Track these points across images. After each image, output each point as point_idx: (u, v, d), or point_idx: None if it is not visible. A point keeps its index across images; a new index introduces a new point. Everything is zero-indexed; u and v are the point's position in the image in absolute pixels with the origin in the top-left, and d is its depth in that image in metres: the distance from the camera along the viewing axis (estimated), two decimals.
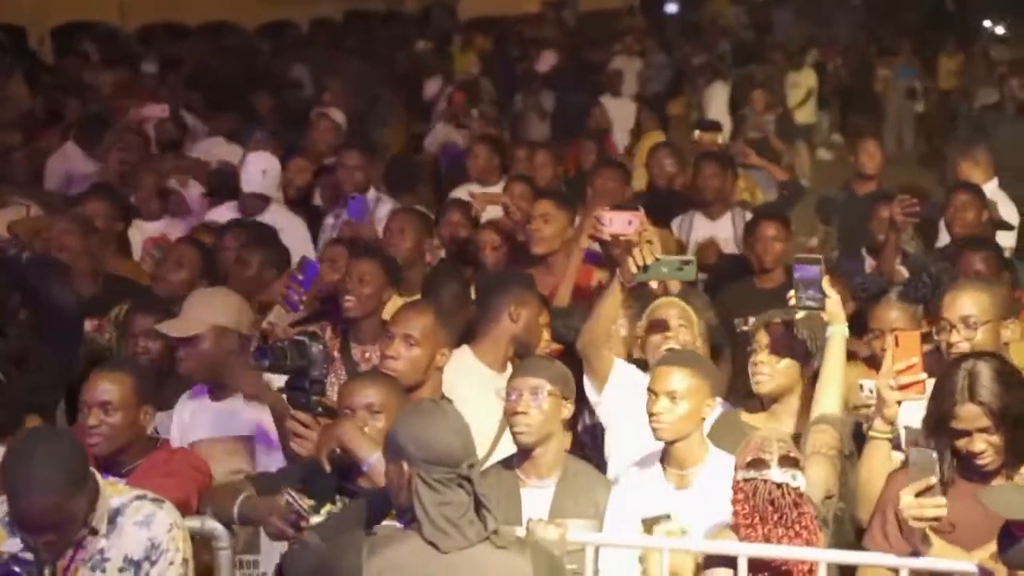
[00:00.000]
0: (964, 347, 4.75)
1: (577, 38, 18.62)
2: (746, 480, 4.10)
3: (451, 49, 16.79)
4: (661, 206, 8.08)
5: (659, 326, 5.32)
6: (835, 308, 4.65)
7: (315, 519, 4.19)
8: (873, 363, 5.60)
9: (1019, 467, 4.09)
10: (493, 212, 6.94)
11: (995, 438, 4.04)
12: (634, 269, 5.07)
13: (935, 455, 3.99)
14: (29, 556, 3.70)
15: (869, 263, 7.77)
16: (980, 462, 4.07)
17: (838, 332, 4.63)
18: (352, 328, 5.84)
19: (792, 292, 4.69)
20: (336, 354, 5.68)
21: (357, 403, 4.44)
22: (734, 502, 4.12)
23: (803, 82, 15.72)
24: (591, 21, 20.01)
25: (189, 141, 10.68)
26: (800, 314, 4.75)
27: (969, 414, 4.03)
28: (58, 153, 10.10)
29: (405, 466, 3.73)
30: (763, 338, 4.90)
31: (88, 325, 6.18)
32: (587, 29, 19.51)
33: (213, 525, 4.37)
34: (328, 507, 4.31)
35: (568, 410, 4.73)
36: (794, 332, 4.85)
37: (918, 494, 3.91)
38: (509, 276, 6.21)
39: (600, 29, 18.98)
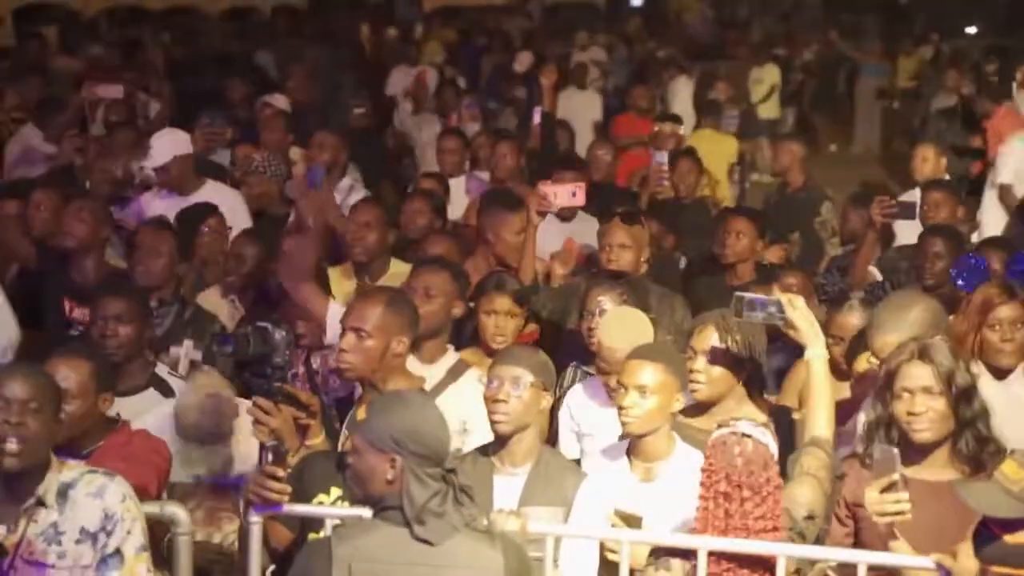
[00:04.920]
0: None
1: (541, 30, 18.63)
2: (717, 437, 3.99)
3: (415, 37, 16.75)
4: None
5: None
6: (809, 330, 4.55)
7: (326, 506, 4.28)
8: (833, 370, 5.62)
9: (960, 444, 4.17)
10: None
11: (938, 403, 4.14)
12: None
13: (896, 451, 4.05)
14: None
15: None
16: (917, 427, 4.15)
17: (818, 356, 4.53)
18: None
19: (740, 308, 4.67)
20: None
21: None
22: (704, 466, 4.00)
23: (766, 78, 15.77)
24: (555, 13, 20.04)
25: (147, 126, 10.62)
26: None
27: (916, 371, 4.17)
28: (17, 135, 10.02)
29: (397, 460, 3.70)
30: (699, 343, 4.90)
31: (78, 313, 6.16)
32: (551, 21, 19.51)
33: (173, 510, 4.34)
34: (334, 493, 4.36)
35: (547, 401, 4.75)
36: (727, 342, 4.85)
37: (882, 491, 3.97)
38: None
39: (565, 21, 18.98)
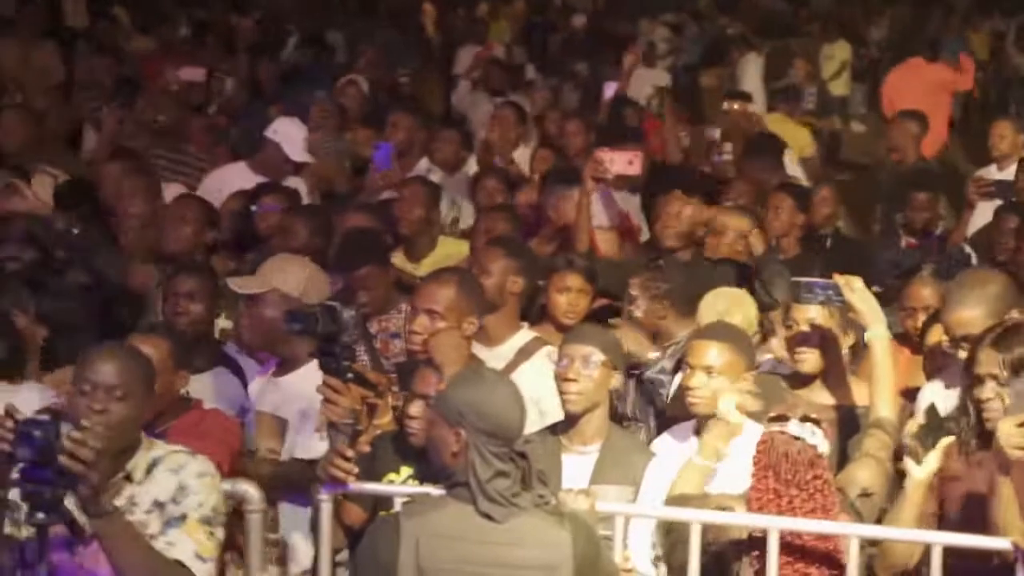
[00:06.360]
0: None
1: (610, 7, 18.51)
2: (766, 433, 4.08)
3: (481, 16, 16.70)
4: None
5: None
6: (869, 312, 4.60)
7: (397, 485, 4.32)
8: (906, 341, 5.57)
9: None
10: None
11: (1006, 392, 4.08)
12: None
13: None
14: (46, 417, 3.62)
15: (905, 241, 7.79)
16: (987, 416, 4.12)
17: (879, 336, 4.57)
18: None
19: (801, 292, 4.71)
20: None
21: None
22: (754, 458, 4.09)
23: (837, 54, 15.63)
24: None
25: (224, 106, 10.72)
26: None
27: (988, 358, 4.13)
28: (95, 118, 10.13)
29: (462, 433, 3.72)
30: (799, 315, 4.88)
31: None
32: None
33: (244, 487, 4.37)
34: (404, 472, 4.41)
35: (617, 380, 4.75)
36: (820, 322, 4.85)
37: (1020, 424, 3.89)
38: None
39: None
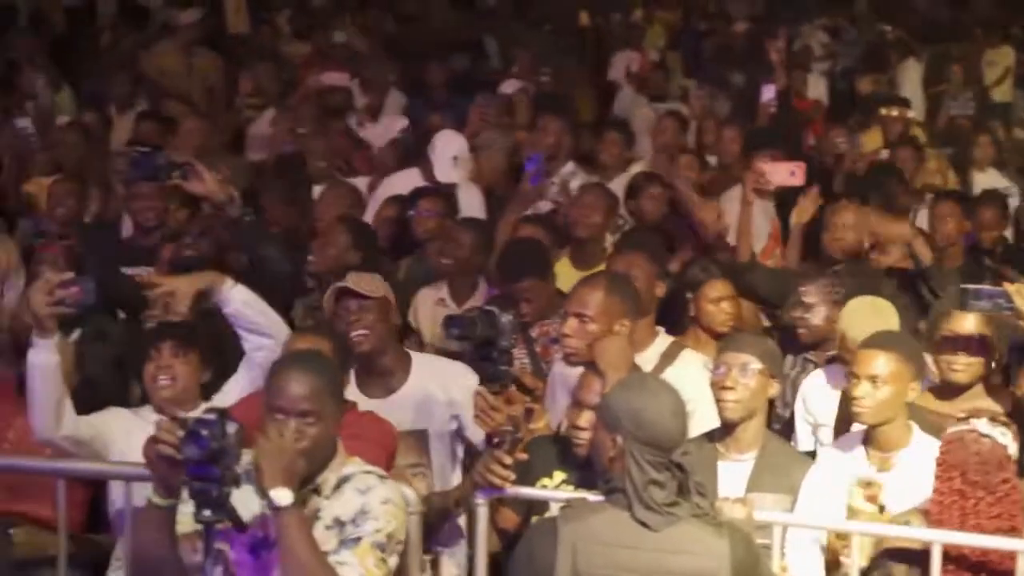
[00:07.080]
0: None
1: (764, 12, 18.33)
2: (954, 432, 3.98)
3: (634, 20, 16.66)
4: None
5: None
6: None
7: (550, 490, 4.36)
8: None
9: None
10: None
11: None
12: None
13: None
14: (212, 416, 3.62)
15: None
16: None
17: None
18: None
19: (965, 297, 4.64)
20: None
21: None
22: (938, 459, 3.99)
23: (1000, 60, 15.26)
24: None
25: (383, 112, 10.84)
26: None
27: None
28: (259, 121, 10.32)
29: (619, 439, 3.74)
30: (959, 327, 4.79)
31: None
32: (773, 3, 19.16)
33: (403, 490, 4.39)
34: (557, 477, 4.42)
35: (775, 388, 4.72)
36: (981, 331, 4.75)
37: None
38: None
39: (788, 4, 18.63)
